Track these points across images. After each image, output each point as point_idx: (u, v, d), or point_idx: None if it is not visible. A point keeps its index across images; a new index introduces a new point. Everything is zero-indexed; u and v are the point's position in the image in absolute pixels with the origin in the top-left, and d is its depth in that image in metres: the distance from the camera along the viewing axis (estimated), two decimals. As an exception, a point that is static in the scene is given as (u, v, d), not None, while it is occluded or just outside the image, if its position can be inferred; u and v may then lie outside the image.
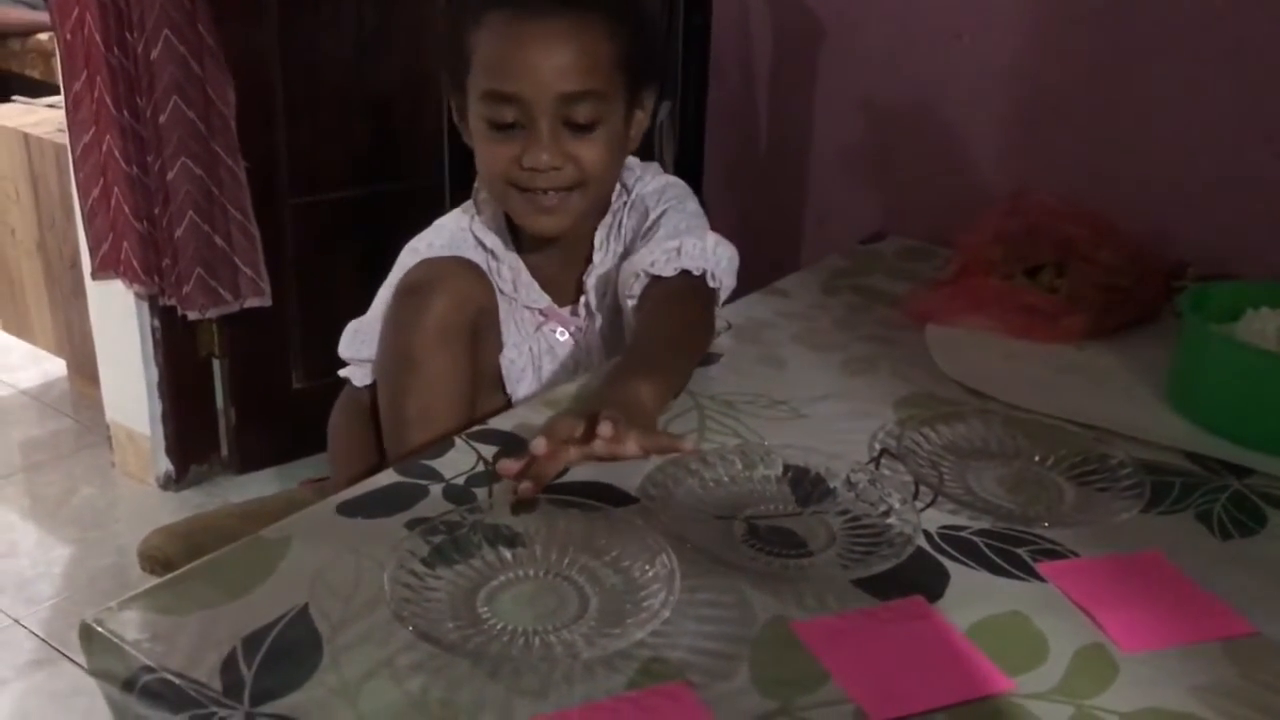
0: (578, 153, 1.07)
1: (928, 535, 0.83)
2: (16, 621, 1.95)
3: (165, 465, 2.30)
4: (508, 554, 0.78)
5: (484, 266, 1.17)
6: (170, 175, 1.91)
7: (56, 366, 2.65)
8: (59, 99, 2.16)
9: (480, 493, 0.86)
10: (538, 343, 1.19)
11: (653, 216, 1.15)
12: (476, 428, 0.96)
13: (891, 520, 0.83)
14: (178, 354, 2.21)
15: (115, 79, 1.89)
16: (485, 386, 1.14)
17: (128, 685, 0.68)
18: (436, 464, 0.89)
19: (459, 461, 0.90)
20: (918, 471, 0.91)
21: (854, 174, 1.55)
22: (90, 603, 1.99)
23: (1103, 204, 1.32)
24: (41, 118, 2.37)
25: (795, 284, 1.26)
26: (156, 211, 1.97)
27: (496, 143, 1.07)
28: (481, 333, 1.11)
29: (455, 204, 1.74)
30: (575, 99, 1.04)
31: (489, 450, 0.92)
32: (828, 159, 1.60)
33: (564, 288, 1.20)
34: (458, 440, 0.93)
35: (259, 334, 2.21)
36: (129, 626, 0.70)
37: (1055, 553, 0.82)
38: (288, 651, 0.68)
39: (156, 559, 1.27)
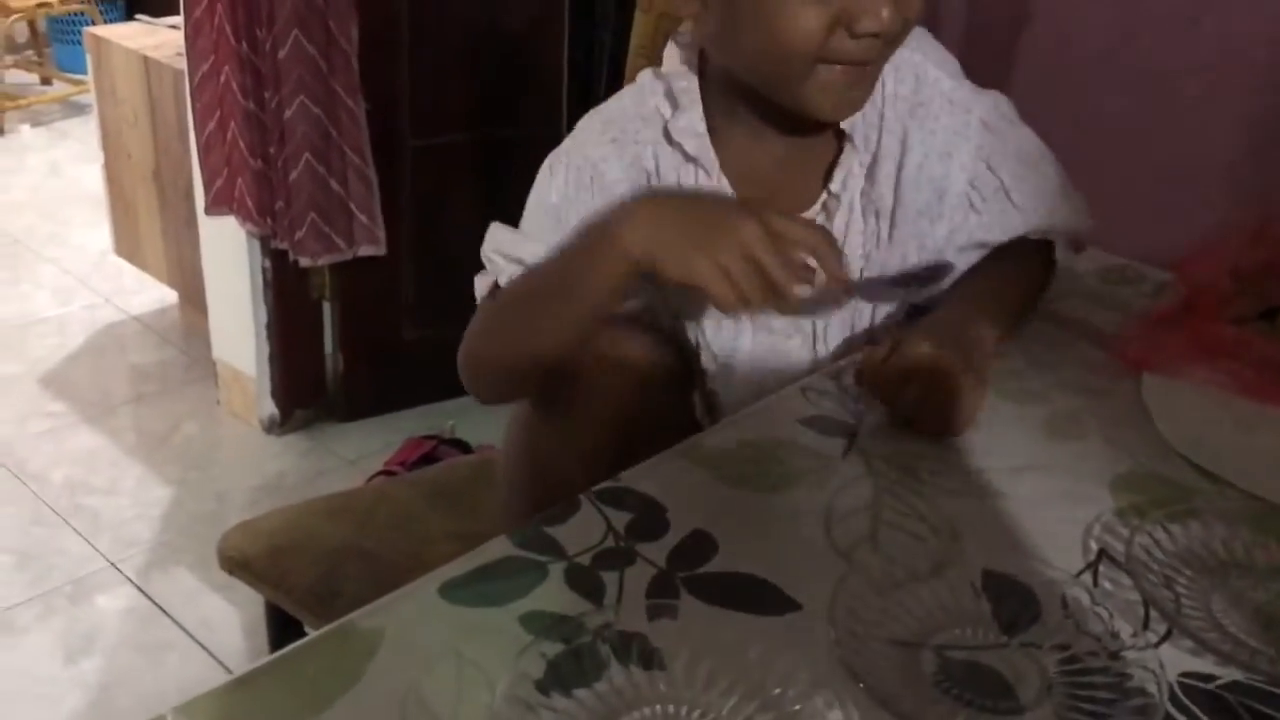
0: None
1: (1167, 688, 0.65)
2: (114, 565, 1.90)
3: (270, 408, 2.23)
4: (641, 676, 0.63)
5: (672, 178, 0.94)
6: (288, 113, 1.80)
7: (168, 294, 2.59)
8: (180, 19, 2.06)
9: (608, 579, 0.71)
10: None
11: (970, 148, 0.99)
12: (605, 484, 0.80)
13: (1126, 665, 0.66)
14: (288, 295, 2.12)
15: (235, 7, 1.77)
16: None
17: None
18: (557, 533, 0.75)
19: (586, 531, 0.75)
20: (1147, 589, 0.73)
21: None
22: (186, 550, 1.94)
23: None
24: (162, 40, 2.28)
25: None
26: (272, 150, 1.86)
27: (804, 4, 0.84)
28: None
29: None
30: None
31: (621, 518, 0.77)
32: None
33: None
34: (583, 501, 0.78)
35: (371, 279, 2.11)
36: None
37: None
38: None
39: (235, 560, 1.16)
